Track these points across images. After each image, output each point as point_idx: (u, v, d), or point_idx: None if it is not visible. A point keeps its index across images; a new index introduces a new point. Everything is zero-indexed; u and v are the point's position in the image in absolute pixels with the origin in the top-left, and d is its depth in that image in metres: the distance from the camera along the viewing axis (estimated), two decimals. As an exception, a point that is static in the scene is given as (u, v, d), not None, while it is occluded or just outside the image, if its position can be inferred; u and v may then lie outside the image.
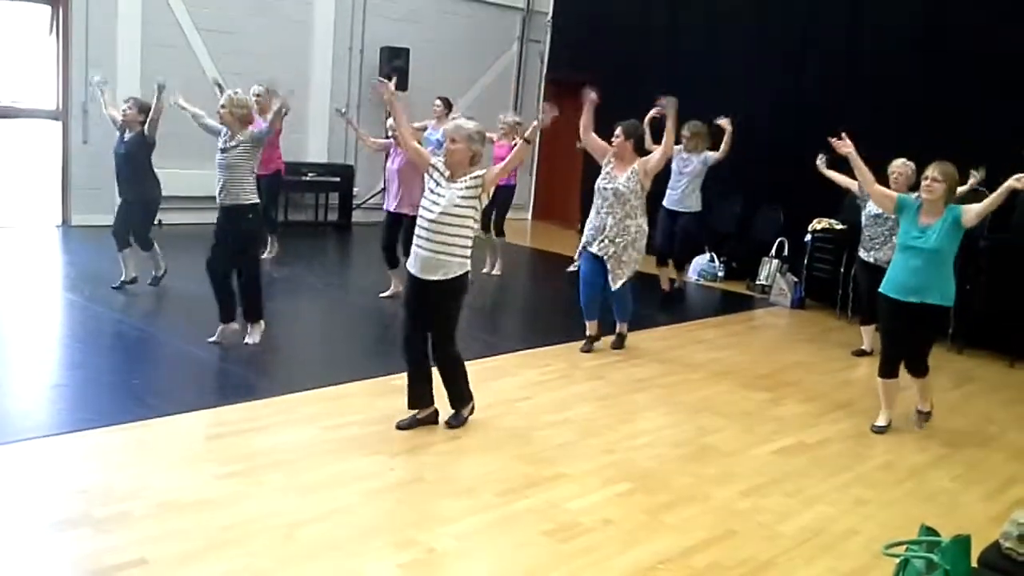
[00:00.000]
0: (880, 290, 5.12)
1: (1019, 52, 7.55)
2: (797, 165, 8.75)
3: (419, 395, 4.65)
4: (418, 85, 11.04)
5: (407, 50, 11.03)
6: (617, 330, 6.55)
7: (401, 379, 4.76)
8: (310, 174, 10.70)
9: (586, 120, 6.26)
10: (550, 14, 12.69)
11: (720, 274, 9.64)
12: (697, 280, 9.54)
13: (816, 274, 8.47)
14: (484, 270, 8.75)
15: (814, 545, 3.72)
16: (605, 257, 6.15)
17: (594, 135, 6.33)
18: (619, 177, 6.13)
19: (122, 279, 6.95)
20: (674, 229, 8.37)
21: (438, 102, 8.75)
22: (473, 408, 4.78)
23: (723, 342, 7.11)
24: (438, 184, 4.44)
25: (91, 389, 4.89)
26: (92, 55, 9.13)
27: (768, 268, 9.09)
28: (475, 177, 4.41)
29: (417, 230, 4.49)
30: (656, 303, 8.20)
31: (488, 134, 5.66)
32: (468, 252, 4.49)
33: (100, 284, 7.04)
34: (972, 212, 4.85)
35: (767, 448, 4.81)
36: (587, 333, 6.43)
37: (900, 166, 6.26)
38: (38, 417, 4.43)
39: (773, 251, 9.14)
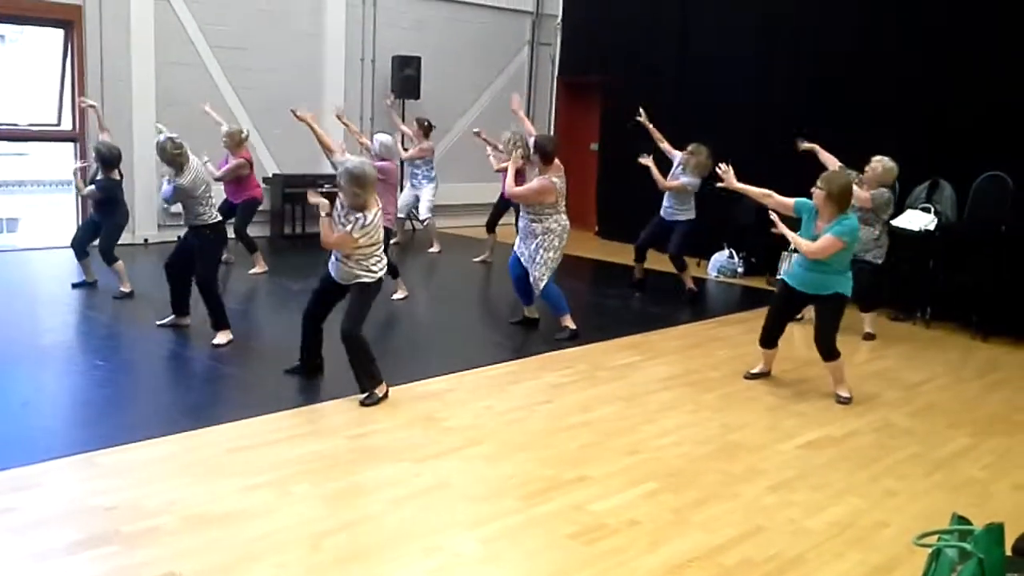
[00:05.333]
0: (782, 276, 5.62)
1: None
2: (813, 158, 8.71)
3: (306, 349, 5.39)
4: (430, 93, 11.09)
5: (418, 58, 11.07)
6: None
7: (424, 385, 4.84)
8: (326, 185, 10.72)
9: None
10: (559, 17, 12.70)
11: (740, 270, 9.60)
12: (716, 277, 9.50)
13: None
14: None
15: (844, 539, 3.69)
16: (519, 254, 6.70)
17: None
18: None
19: (84, 279, 7.55)
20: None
21: (415, 124, 9.94)
22: (387, 391, 5.03)
23: (744, 338, 7.06)
24: (342, 208, 4.95)
25: (116, 407, 4.93)
26: (107, 75, 9.22)
27: (788, 262, 9.02)
28: (358, 219, 4.84)
29: None
30: (679, 302, 8.22)
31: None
32: (373, 267, 4.99)
33: (120, 302, 7.13)
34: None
35: (793, 443, 4.78)
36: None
37: (873, 162, 6.76)
38: (64, 436, 4.47)
39: (792, 245, 9.07)
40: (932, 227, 7.48)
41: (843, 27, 8.96)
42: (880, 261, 7.00)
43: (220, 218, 6.25)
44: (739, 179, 5.96)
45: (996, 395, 5.87)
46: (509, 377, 5.70)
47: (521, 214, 6.77)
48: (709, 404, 5.35)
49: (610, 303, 7.64)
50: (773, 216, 5.60)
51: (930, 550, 2.74)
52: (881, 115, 8.30)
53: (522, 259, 6.66)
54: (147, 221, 9.68)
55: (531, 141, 6.73)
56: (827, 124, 8.75)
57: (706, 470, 4.34)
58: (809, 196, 5.41)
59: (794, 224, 5.55)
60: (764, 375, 5.88)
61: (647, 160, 8.06)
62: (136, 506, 3.64)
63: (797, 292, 5.53)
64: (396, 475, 4.09)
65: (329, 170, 10.86)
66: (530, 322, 6.94)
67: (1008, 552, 2.76)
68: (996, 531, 2.60)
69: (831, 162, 6.83)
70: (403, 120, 10.56)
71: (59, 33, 9.24)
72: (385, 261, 5.10)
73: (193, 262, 6.14)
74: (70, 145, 9.49)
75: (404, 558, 3.36)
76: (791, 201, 5.53)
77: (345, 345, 4.99)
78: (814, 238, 5.32)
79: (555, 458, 4.39)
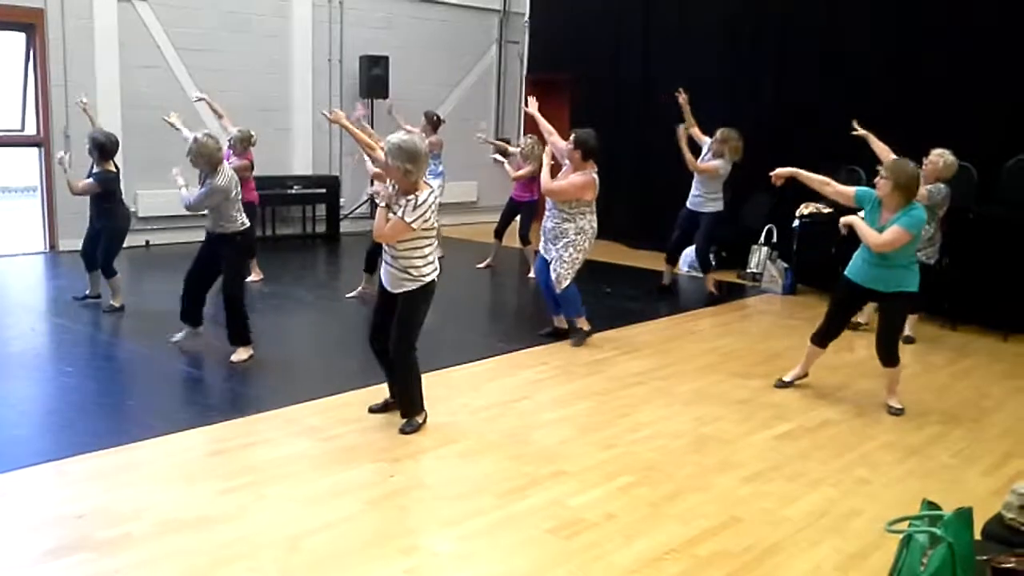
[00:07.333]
0: (845, 273, 5.29)
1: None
2: (781, 152, 8.80)
3: (391, 379, 4.89)
4: (398, 92, 11.05)
5: (386, 57, 11.03)
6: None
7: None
8: (296, 187, 10.68)
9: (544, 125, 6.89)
10: (527, 14, 12.71)
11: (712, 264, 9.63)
12: (688, 271, 9.54)
13: (806, 259, 8.47)
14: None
15: (819, 527, 3.72)
16: (548, 258, 6.37)
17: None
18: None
19: (87, 293, 7.21)
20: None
21: (423, 119, 9.41)
22: (426, 417, 4.73)
23: (717, 331, 7.13)
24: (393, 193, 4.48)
25: (86, 413, 4.86)
26: (71, 79, 9.11)
27: (758, 256, 9.11)
28: (409, 200, 4.38)
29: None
30: (652, 296, 8.28)
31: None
32: (423, 269, 4.51)
33: (89, 308, 7.04)
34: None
35: (767, 434, 4.81)
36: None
37: (933, 155, 6.44)
38: (34, 444, 4.41)
39: (762, 238, 9.15)
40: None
41: (809, 20, 9.05)
42: (933, 261, 6.72)
43: (249, 224, 5.89)
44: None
45: (965, 382, 5.95)
46: (485, 375, 5.70)
47: (549, 213, 6.32)
48: (683, 397, 5.38)
49: (584, 299, 7.64)
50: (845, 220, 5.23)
51: (901, 536, 2.78)
52: (840, 112, 8.36)
53: (548, 258, 6.33)
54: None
55: (554, 140, 6.59)
56: (802, 108, 8.84)
57: (681, 463, 4.37)
58: (864, 185, 5.20)
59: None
60: (802, 378, 5.63)
61: (682, 137, 8.02)
62: (108, 513, 3.60)
63: (860, 289, 5.19)
64: (372, 475, 4.08)
65: (298, 171, 10.88)
66: (561, 333, 6.59)
67: (977, 536, 2.81)
68: (965, 515, 2.64)
69: (884, 152, 6.56)
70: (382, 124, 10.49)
71: (21, 37, 9.11)
72: (436, 263, 4.61)
73: (213, 272, 5.84)
74: (35, 150, 9.36)
75: (381, 559, 3.35)
76: (852, 190, 5.26)
77: (396, 367, 4.71)
78: (879, 230, 5.01)
79: (532, 454, 4.40)
